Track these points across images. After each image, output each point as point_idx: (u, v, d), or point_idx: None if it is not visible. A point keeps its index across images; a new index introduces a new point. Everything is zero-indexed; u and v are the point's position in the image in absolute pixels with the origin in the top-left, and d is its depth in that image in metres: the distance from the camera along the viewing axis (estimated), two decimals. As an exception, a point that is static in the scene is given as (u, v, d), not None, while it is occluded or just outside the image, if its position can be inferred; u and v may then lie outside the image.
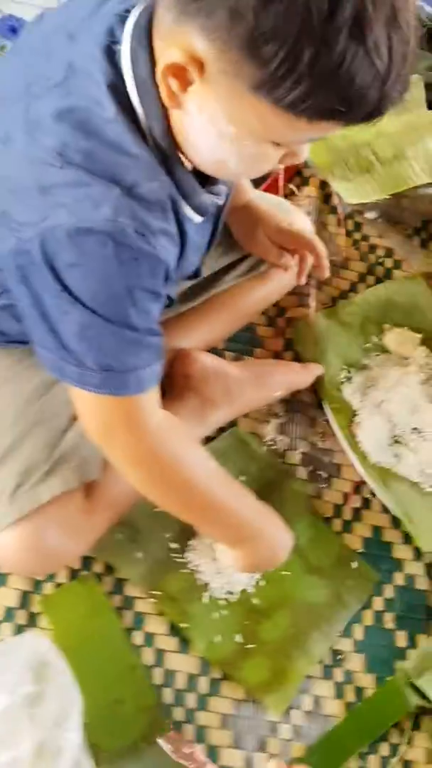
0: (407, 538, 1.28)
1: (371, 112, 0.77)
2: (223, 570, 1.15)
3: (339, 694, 1.16)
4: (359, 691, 1.17)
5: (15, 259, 0.86)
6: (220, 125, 0.81)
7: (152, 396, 0.93)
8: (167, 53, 0.78)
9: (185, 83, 0.79)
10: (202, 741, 1.08)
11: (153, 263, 0.85)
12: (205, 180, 0.92)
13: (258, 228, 1.23)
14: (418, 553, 1.28)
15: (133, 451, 0.96)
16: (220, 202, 0.98)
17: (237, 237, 1.24)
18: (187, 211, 0.91)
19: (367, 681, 1.18)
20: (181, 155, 0.87)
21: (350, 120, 0.78)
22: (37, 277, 0.85)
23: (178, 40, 0.77)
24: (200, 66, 0.77)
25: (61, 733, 0.98)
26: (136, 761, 1.04)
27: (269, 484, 1.24)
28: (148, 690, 1.09)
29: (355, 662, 1.19)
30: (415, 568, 1.26)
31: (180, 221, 0.90)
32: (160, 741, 1.04)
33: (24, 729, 0.97)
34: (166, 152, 0.85)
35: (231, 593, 1.16)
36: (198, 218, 0.93)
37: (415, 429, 1.33)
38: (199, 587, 1.15)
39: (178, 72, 0.78)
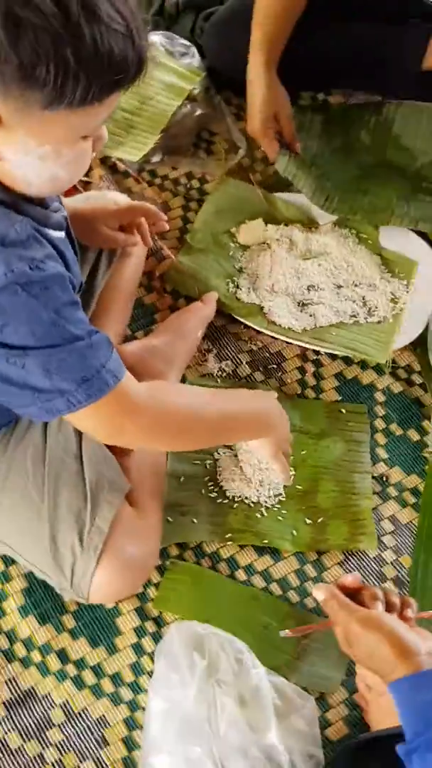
0: (364, 365, 1.47)
1: (139, 66, 0.89)
2: (257, 479, 1.32)
3: (402, 503, 1.35)
4: (415, 492, 1.36)
5: None
6: (36, 151, 0.91)
7: (128, 377, 1.05)
8: None
9: None
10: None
11: (59, 281, 0.95)
12: (44, 204, 1.04)
13: (95, 225, 1.35)
14: (379, 370, 1.47)
15: (144, 427, 1.08)
16: (65, 213, 1.09)
17: (84, 241, 1.36)
18: (50, 232, 1.02)
19: (413, 480, 1.37)
20: (18, 195, 0.97)
21: (129, 81, 0.90)
22: None
23: None
24: None
25: (251, 676, 1.13)
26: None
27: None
28: (278, 603, 1.25)
29: (396, 474, 1.38)
30: (386, 380, 1.46)
31: (52, 243, 0.99)
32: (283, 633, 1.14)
33: (221, 692, 1.11)
34: (7, 200, 0.95)
35: (279, 494, 1.32)
36: (60, 233, 1.05)
37: (310, 287, 1.51)
38: (254, 508, 1.31)
39: None
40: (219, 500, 1.31)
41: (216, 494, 1.32)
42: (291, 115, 1.57)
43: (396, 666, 0.90)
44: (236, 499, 1.32)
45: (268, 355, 1.47)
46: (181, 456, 1.34)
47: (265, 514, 1.31)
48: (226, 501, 1.32)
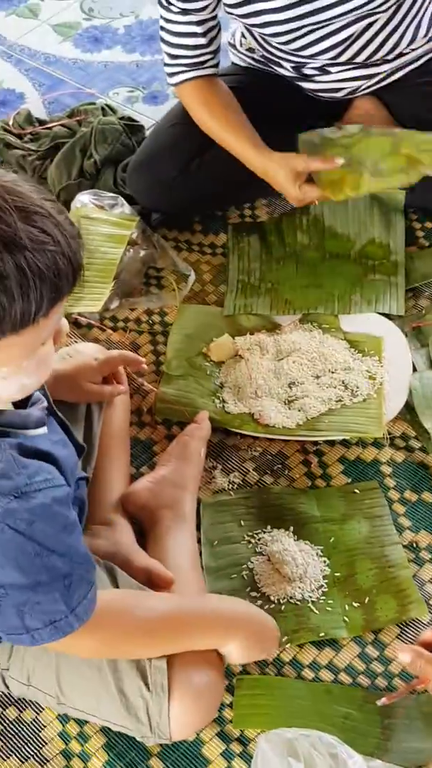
0: (362, 443, 1.53)
1: (75, 274, 0.93)
2: (297, 575, 1.35)
3: (439, 563, 1.39)
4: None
5: None
6: None
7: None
8: None
9: None
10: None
11: (46, 510, 0.98)
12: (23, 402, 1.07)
13: (79, 383, 1.40)
14: (377, 444, 1.52)
15: (97, 641, 1.11)
16: (45, 403, 1.11)
17: (71, 399, 1.41)
18: (31, 435, 1.04)
19: (442, 538, 1.42)
20: None
21: (69, 287, 0.94)
22: None
23: None
24: None
25: (349, 767, 1.13)
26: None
27: (270, 509, 1.45)
28: (351, 691, 1.27)
29: (424, 538, 1.42)
30: (387, 453, 1.51)
31: (37, 451, 1.02)
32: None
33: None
34: None
35: (320, 586, 1.35)
36: (42, 429, 1.06)
37: (291, 384, 1.57)
38: (301, 605, 1.33)
39: None
40: (265, 606, 1.33)
41: (262, 601, 1.34)
42: (306, 158, 1.59)
43: None
44: (281, 601, 1.34)
45: (270, 457, 1.52)
46: (219, 574, 1.37)
47: (313, 608, 1.33)
48: (273, 605, 1.34)
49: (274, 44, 1.65)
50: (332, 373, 1.59)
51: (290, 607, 1.33)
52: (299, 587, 1.35)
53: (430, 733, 1.22)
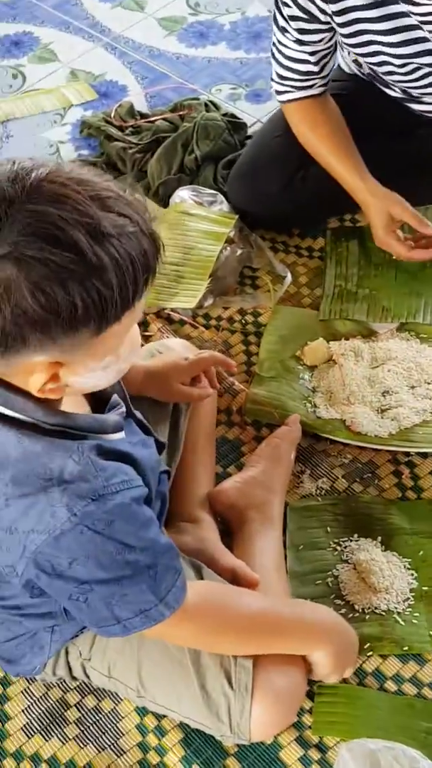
0: (455, 458, 1.51)
1: (158, 247, 0.93)
2: (383, 586, 1.34)
3: None
4: None
5: (28, 582, 1.02)
6: (97, 366, 0.95)
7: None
8: (31, 380, 0.92)
9: (57, 378, 0.93)
10: None
11: (125, 509, 0.98)
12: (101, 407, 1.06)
13: (169, 382, 1.38)
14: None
15: (192, 631, 1.12)
16: (123, 408, 1.09)
17: (159, 398, 1.39)
18: (111, 439, 1.02)
19: None
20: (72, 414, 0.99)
21: (156, 262, 0.93)
22: (57, 587, 1.01)
23: (26, 368, 0.91)
24: (58, 364, 0.92)
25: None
26: None
27: (359, 518, 1.44)
28: (433, 706, 1.25)
29: None
30: None
31: (116, 451, 1.01)
32: None
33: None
34: (61, 425, 0.97)
35: (407, 599, 1.34)
36: (120, 434, 1.04)
37: (385, 392, 1.56)
38: (386, 616, 1.32)
39: (49, 380, 0.93)
40: (350, 615, 1.32)
41: (346, 609, 1.33)
42: (406, 207, 1.61)
43: None
44: (366, 611, 1.33)
45: (360, 465, 1.51)
46: (303, 579, 1.36)
47: (399, 620, 1.32)
48: (357, 614, 1.32)
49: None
50: (428, 384, 1.56)
51: (375, 617, 1.32)
52: (385, 598, 1.33)
53: None
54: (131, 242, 0.89)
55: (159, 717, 1.26)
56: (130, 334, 0.97)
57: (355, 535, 1.41)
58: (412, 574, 1.36)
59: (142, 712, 1.27)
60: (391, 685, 1.28)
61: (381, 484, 1.48)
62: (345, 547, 1.40)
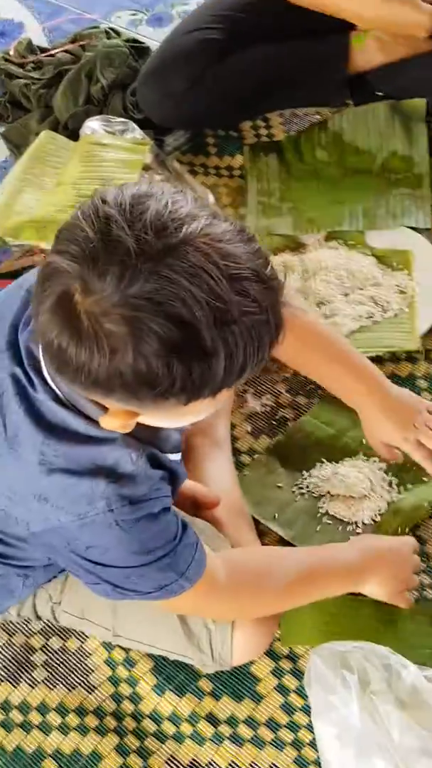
0: (395, 359, 1.50)
1: (279, 332, 0.84)
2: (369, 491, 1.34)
3: None
4: None
5: (43, 546, 1.01)
6: (176, 422, 0.93)
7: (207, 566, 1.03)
8: (102, 418, 0.88)
9: (129, 421, 0.88)
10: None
11: (152, 516, 0.95)
12: None
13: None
14: (412, 359, 1.50)
15: (224, 603, 1.09)
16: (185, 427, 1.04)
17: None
18: (168, 457, 0.99)
19: None
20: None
21: (271, 349, 0.85)
22: (67, 558, 0.99)
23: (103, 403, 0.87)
24: (136, 414, 0.87)
25: (404, 677, 1.12)
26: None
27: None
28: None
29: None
30: (423, 367, 1.49)
31: (166, 465, 0.98)
32: None
33: (381, 701, 1.10)
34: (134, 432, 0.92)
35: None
36: (177, 456, 1.02)
37: (319, 303, 1.54)
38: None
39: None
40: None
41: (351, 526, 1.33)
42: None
43: None
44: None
45: (302, 378, 1.49)
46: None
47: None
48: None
49: None
50: (361, 290, 1.55)
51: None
52: (373, 496, 1.34)
53: None
54: (252, 332, 0.80)
55: (127, 649, 1.24)
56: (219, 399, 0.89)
57: (310, 470, 1.38)
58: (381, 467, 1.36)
59: (109, 647, 1.25)
60: (355, 588, 1.28)
61: (324, 392, 1.46)
62: (307, 485, 1.37)
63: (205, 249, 0.78)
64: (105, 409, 0.88)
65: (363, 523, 1.32)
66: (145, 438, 0.95)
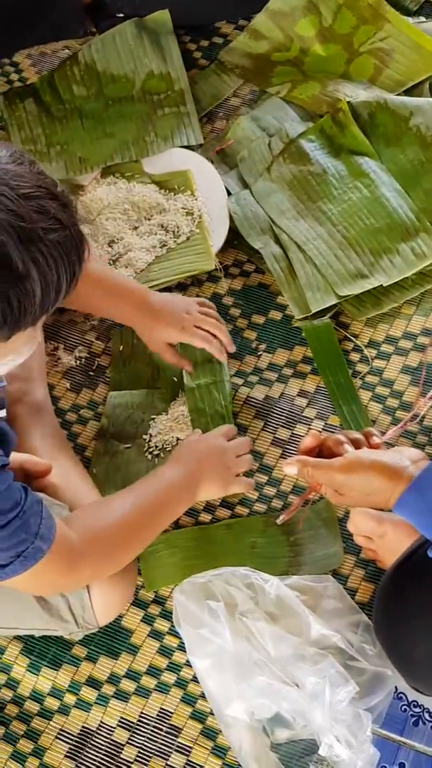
0: (198, 282, 1.48)
1: (83, 249, 0.87)
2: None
3: (302, 376, 1.38)
4: (307, 361, 1.39)
5: None
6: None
7: (58, 531, 1.02)
8: None
9: None
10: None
11: None
12: None
13: (158, 328, 1.32)
14: (212, 278, 1.48)
15: (91, 564, 1.08)
16: (5, 382, 1.04)
17: (141, 335, 1.34)
18: None
19: (298, 352, 1.40)
20: None
21: (81, 266, 0.87)
22: None
23: None
24: None
25: (267, 591, 1.13)
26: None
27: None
28: (250, 520, 1.26)
29: (281, 355, 1.40)
30: (225, 284, 1.47)
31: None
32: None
33: (251, 620, 1.11)
34: None
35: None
36: (2, 412, 1.02)
37: (110, 242, 1.50)
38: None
39: None
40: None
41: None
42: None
43: (392, 489, 0.92)
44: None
45: (109, 321, 1.45)
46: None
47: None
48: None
49: None
50: (149, 219, 1.51)
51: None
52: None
53: (335, 537, 1.24)
54: (60, 248, 0.82)
55: (-8, 638, 1.21)
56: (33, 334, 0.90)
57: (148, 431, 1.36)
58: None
59: (-29, 640, 1.21)
60: (205, 517, 1.28)
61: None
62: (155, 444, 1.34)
63: None
64: None
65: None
66: None
